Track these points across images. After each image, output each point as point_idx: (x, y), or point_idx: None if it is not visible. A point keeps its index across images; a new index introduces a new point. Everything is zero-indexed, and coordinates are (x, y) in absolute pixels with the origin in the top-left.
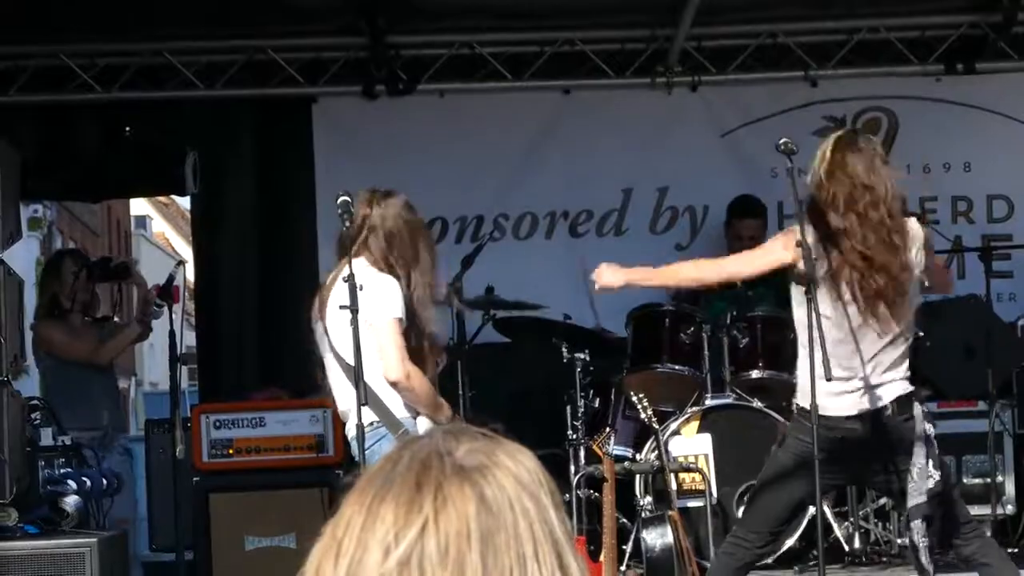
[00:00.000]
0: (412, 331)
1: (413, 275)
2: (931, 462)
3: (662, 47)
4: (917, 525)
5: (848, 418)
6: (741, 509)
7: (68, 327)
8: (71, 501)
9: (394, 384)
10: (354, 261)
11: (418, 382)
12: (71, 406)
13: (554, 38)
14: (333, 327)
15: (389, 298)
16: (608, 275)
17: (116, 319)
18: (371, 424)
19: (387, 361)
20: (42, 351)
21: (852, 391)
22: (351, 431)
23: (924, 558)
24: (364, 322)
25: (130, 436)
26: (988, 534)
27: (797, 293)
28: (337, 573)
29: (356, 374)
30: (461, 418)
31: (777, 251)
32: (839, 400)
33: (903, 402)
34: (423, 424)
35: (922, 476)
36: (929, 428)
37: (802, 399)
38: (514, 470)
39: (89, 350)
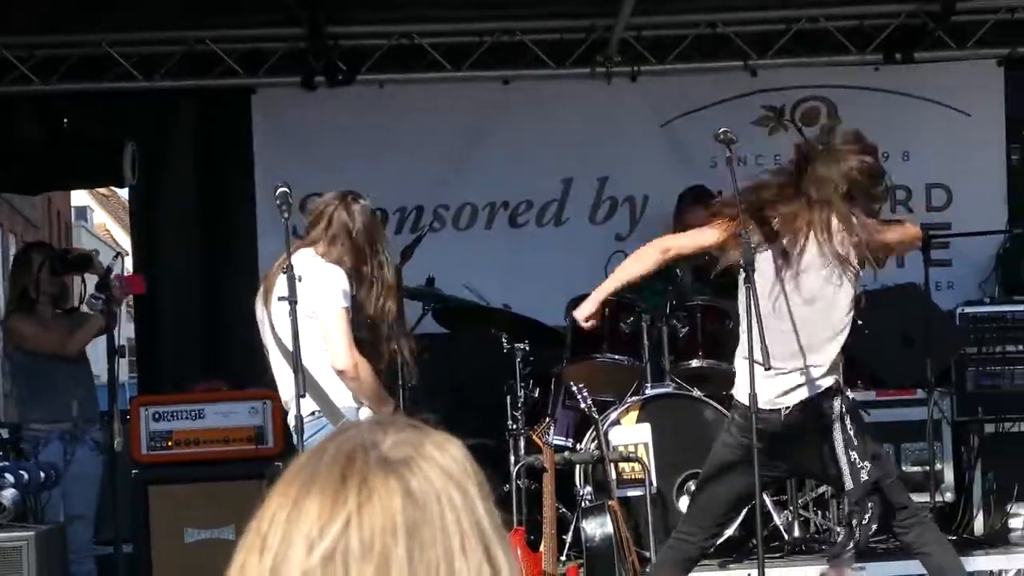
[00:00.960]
0: (362, 324)
1: (375, 273)
2: (865, 452)
3: (602, 37)
4: (857, 517)
5: (783, 409)
6: (681, 499)
7: (37, 320)
8: (8, 495)
9: (341, 373)
10: (302, 252)
11: (365, 373)
12: (40, 398)
13: (494, 28)
14: (276, 317)
15: (335, 288)
16: (584, 309)
17: (84, 310)
18: (312, 414)
19: (334, 350)
20: (11, 345)
21: (789, 382)
22: (292, 420)
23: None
24: (309, 312)
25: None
26: (929, 520)
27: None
28: (262, 568)
29: (294, 365)
30: (402, 411)
31: (716, 230)
32: (774, 390)
33: (828, 394)
34: (365, 415)
35: (856, 467)
36: (857, 420)
37: (739, 391)
38: (441, 462)
39: (58, 342)
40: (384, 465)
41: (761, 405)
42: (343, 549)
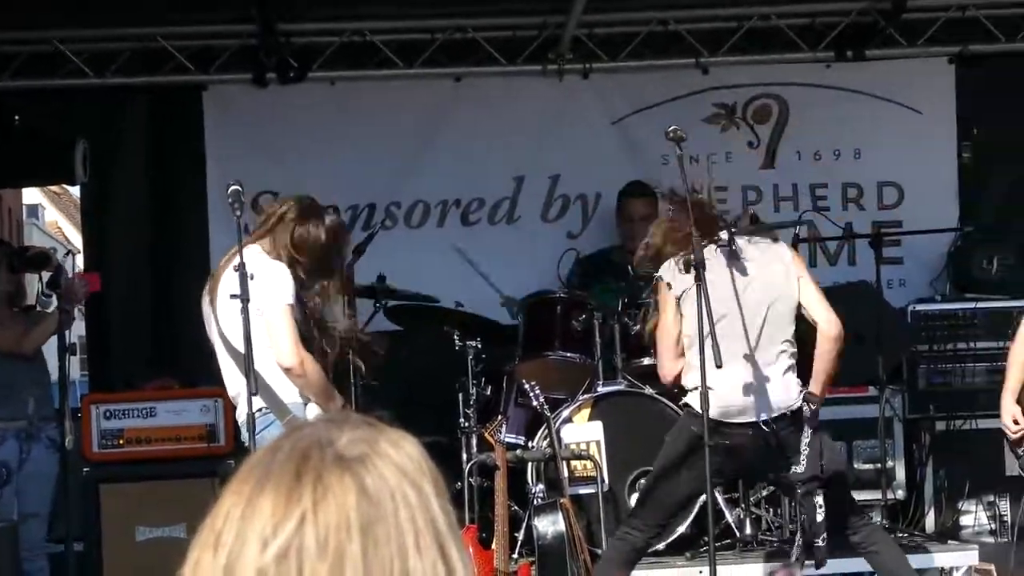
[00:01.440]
0: (308, 321)
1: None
2: (814, 454)
3: (553, 34)
4: (808, 517)
5: (740, 425)
6: (633, 496)
7: None
8: None
9: (287, 371)
10: (249, 248)
11: (311, 369)
12: None
13: (445, 25)
14: (222, 313)
15: (280, 285)
16: None
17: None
18: (260, 410)
19: (280, 348)
20: None
21: (745, 395)
22: (241, 416)
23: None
24: (255, 310)
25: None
26: (876, 520)
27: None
28: (216, 566)
29: (246, 364)
30: (352, 408)
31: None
32: (730, 404)
33: (795, 413)
34: (313, 411)
35: (811, 464)
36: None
37: (690, 397)
38: (396, 459)
39: (14, 340)
40: (339, 462)
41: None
42: (298, 547)
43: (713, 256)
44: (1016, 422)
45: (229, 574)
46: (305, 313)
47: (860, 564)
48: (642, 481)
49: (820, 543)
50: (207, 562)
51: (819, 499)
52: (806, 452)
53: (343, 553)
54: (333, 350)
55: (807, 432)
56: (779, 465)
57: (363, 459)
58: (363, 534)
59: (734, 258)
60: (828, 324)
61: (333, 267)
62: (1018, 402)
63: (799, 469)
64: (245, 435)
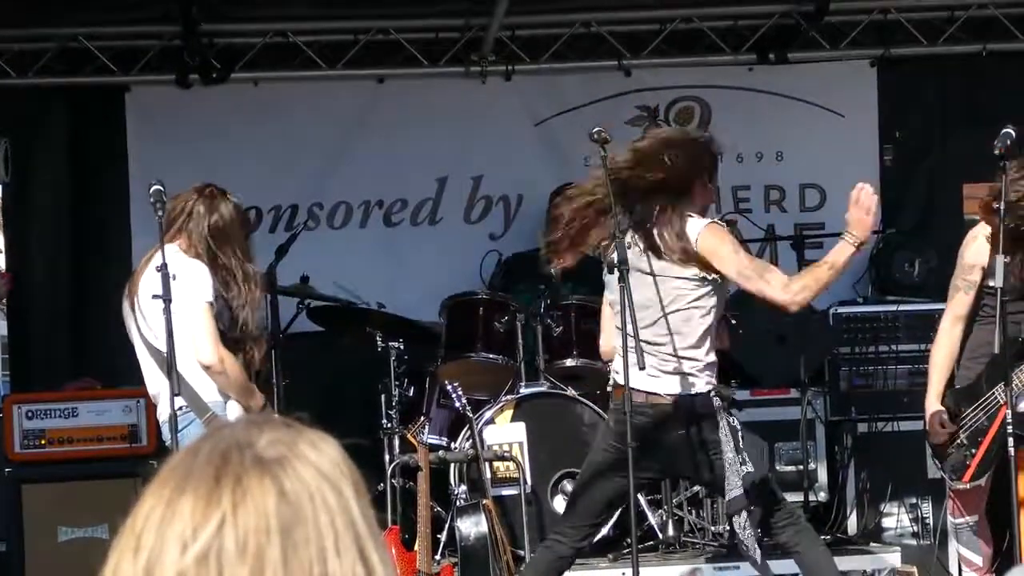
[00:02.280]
0: (228, 319)
1: (235, 266)
2: (742, 454)
3: (476, 36)
4: (738, 519)
5: (657, 398)
6: (556, 497)
7: None
8: None
9: (207, 368)
10: (167, 248)
11: (231, 367)
12: None
13: (368, 27)
14: (143, 312)
15: (199, 283)
16: None
17: None
18: (180, 409)
19: (200, 346)
20: None
21: (662, 374)
22: (161, 415)
23: (752, 548)
24: (174, 307)
25: None
26: (803, 520)
27: (611, 280)
28: (136, 568)
29: (168, 365)
30: (272, 407)
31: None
32: (650, 382)
33: (706, 395)
34: (233, 409)
35: (733, 470)
36: (734, 420)
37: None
38: (315, 461)
39: None
40: (258, 465)
41: (635, 399)
42: (217, 549)
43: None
44: (943, 425)
45: None
46: (229, 313)
47: (790, 565)
48: (565, 483)
49: (752, 541)
50: (127, 564)
51: (748, 501)
52: (726, 469)
53: (263, 556)
54: (256, 350)
55: (718, 441)
56: (701, 458)
57: (282, 461)
58: (282, 537)
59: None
60: None
61: (249, 247)
62: (943, 404)
63: (732, 495)
64: (167, 435)
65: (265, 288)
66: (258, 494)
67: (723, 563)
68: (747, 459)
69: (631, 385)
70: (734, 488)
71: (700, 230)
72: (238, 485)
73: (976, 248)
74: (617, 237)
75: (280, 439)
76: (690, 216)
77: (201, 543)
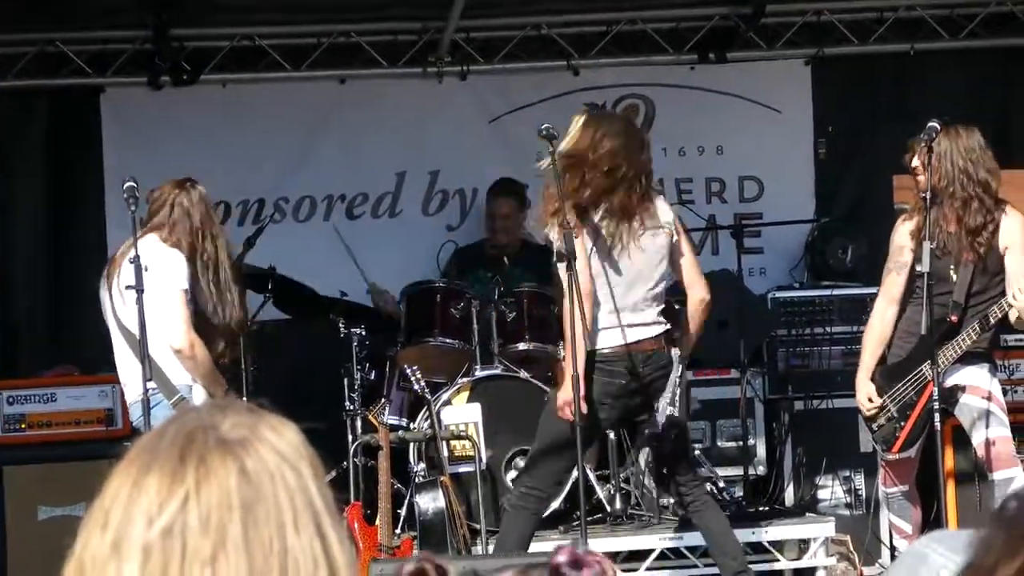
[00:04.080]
0: (201, 306)
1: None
2: (676, 402)
3: (433, 38)
4: (644, 455)
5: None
6: (509, 473)
7: None
8: None
9: (178, 352)
10: (147, 238)
11: (200, 353)
12: None
13: (330, 30)
14: (118, 301)
15: (174, 270)
16: (562, 398)
17: None
18: (150, 391)
19: (172, 330)
20: None
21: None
22: (129, 396)
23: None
24: (149, 297)
25: None
26: (707, 491)
27: (561, 270)
28: (104, 543)
29: (141, 353)
30: (241, 391)
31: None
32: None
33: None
34: (199, 392)
35: (662, 409)
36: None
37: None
38: (275, 443)
39: None
40: (221, 445)
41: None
42: (181, 524)
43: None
44: (871, 399)
45: (116, 550)
46: (198, 297)
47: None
48: (518, 459)
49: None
50: (96, 539)
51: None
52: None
53: (224, 531)
54: (223, 340)
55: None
56: (644, 404)
57: (244, 443)
58: (244, 513)
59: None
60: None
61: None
62: (872, 380)
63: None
64: (134, 416)
65: (238, 280)
66: (221, 473)
67: (669, 535)
68: (676, 407)
69: (638, 337)
70: (654, 425)
71: None
72: (202, 464)
73: (904, 231)
74: (566, 227)
75: (242, 422)
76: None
77: (166, 518)
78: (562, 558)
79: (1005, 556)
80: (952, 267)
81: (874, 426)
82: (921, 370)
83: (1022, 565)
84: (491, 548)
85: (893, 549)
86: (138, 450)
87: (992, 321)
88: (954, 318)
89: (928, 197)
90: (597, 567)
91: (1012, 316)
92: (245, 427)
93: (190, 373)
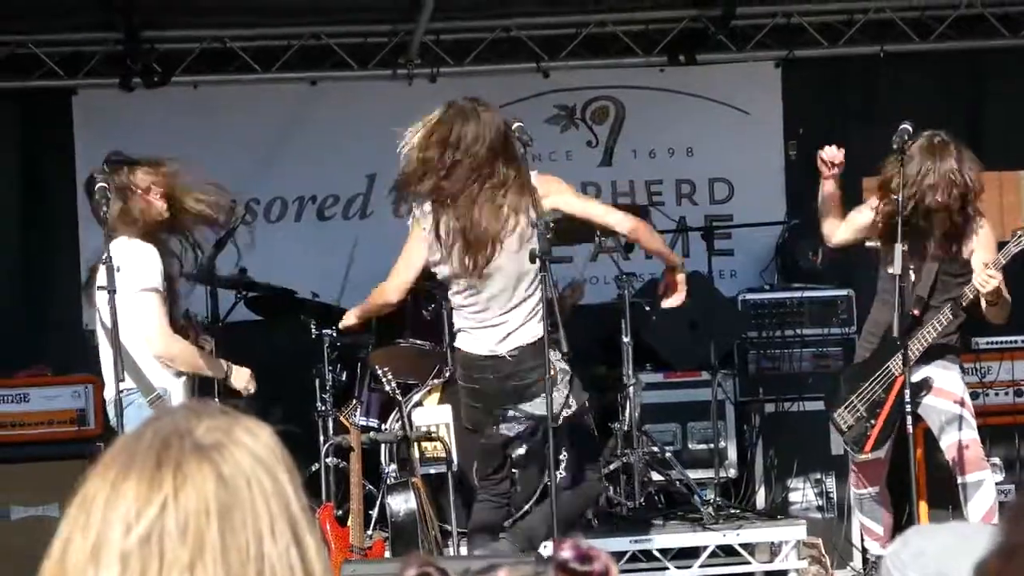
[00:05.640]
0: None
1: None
2: (569, 397)
3: (403, 41)
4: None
5: (484, 356)
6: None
7: None
8: None
9: (158, 359)
10: (117, 239)
11: (181, 354)
12: None
13: (301, 32)
14: (99, 301)
15: (144, 269)
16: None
17: None
18: (123, 392)
19: (149, 336)
20: None
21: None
22: (107, 393)
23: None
24: (122, 298)
25: None
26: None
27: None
28: (84, 547)
29: (113, 353)
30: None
31: None
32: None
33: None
34: (177, 388)
35: (559, 405)
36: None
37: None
38: (251, 447)
39: None
40: (197, 451)
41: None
42: (159, 531)
43: None
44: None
45: (95, 556)
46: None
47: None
48: None
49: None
50: (75, 544)
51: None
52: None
53: (202, 537)
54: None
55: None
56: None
57: (219, 447)
58: (221, 519)
59: None
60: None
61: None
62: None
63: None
64: (111, 413)
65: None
66: (198, 479)
67: (638, 535)
68: (574, 400)
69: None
70: (553, 422)
71: None
72: (179, 470)
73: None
74: (537, 227)
75: (217, 426)
76: None
77: (144, 525)
78: (568, 553)
79: None
80: (918, 261)
81: (844, 427)
82: (888, 367)
83: None
84: (463, 550)
85: (864, 551)
86: (115, 454)
87: (964, 304)
88: (916, 312)
89: (901, 199)
90: (603, 561)
91: (983, 299)
92: (220, 431)
93: (183, 370)
